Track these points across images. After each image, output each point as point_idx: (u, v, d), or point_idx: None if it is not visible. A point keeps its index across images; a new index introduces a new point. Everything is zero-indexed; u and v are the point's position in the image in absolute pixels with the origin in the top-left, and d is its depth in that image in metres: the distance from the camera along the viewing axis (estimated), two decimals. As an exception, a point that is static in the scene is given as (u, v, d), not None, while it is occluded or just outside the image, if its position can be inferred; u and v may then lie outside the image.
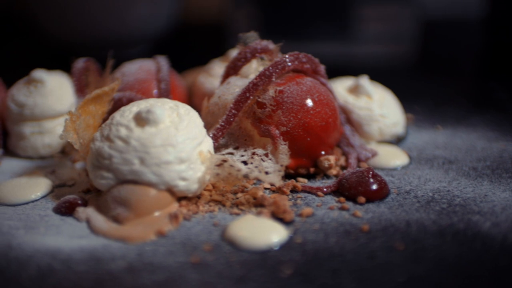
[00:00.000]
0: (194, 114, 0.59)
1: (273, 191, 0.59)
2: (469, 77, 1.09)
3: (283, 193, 0.58)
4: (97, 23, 1.09)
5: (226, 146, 0.61)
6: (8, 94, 0.72)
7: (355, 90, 0.69)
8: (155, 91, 0.69)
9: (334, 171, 0.62)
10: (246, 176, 0.56)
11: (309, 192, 0.59)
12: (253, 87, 0.59)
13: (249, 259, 0.49)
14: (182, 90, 0.74)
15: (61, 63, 0.81)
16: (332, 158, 0.61)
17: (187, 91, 0.77)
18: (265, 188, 0.60)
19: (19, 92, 0.71)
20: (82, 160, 0.67)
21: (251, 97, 0.59)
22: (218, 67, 0.74)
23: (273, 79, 0.60)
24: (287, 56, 0.61)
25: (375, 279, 0.46)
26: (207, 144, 0.58)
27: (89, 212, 0.56)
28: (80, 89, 0.72)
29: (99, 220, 0.55)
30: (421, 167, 0.65)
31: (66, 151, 0.71)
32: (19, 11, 1.32)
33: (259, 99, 0.60)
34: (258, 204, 0.57)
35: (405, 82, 0.82)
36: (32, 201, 0.60)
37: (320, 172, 0.62)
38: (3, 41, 0.83)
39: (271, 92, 0.59)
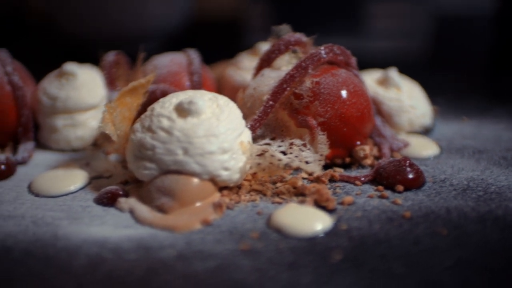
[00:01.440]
0: (233, 105, 0.60)
1: (311, 181, 0.62)
2: (482, 71, 1.12)
3: (322, 182, 0.60)
4: (111, 19, 1.10)
5: (262, 137, 0.62)
6: (38, 88, 0.73)
7: (384, 82, 0.72)
8: (187, 83, 0.71)
9: (369, 161, 0.64)
10: (287, 166, 0.58)
11: (346, 181, 0.61)
12: (290, 79, 0.61)
13: (298, 245, 0.51)
14: (212, 82, 0.76)
15: (75, 59, 0.82)
16: (367, 148, 0.63)
17: (216, 84, 0.79)
18: (303, 178, 0.62)
19: (51, 85, 0.72)
20: (115, 152, 0.69)
21: (288, 88, 0.61)
22: (246, 60, 0.76)
23: (309, 71, 0.62)
24: (322, 48, 0.63)
25: (423, 264, 0.48)
26: (247, 134, 0.60)
27: (132, 202, 0.58)
28: (111, 82, 0.74)
29: (143, 210, 0.56)
30: (452, 156, 0.67)
31: (98, 143, 0.72)
32: (34, 7, 1.33)
33: (296, 90, 0.61)
34: (298, 193, 0.58)
35: (420, 77, 0.84)
36: (71, 193, 0.62)
37: (355, 162, 0.65)
38: (18, 37, 0.84)
39: (307, 83, 0.61)
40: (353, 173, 0.64)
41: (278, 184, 0.60)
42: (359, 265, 0.48)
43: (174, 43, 0.89)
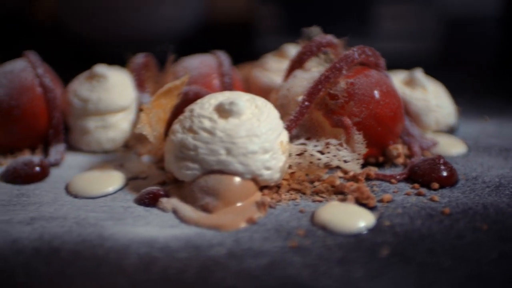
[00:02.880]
0: (270, 106, 0.62)
1: (347, 180, 0.64)
2: (493, 72, 1.16)
3: (358, 181, 0.62)
4: (124, 22, 1.11)
5: (297, 137, 0.64)
6: (68, 90, 0.74)
7: (410, 83, 0.75)
8: (217, 84, 0.73)
9: (401, 160, 0.66)
10: (326, 165, 0.60)
11: (382, 180, 0.64)
12: (324, 80, 0.63)
13: (344, 242, 0.53)
14: (241, 84, 0.78)
15: (87, 62, 0.84)
16: (400, 147, 0.66)
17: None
18: (339, 177, 0.64)
19: (82, 87, 0.73)
20: (148, 154, 0.71)
21: (323, 89, 0.64)
22: (272, 62, 0.79)
23: (343, 72, 0.64)
24: (354, 49, 0.65)
25: (469, 257, 0.51)
26: (284, 134, 0.62)
27: (174, 202, 0.59)
28: (140, 84, 0.75)
29: (187, 210, 0.58)
30: (480, 154, 0.71)
31: (129, 145, 0.74)
32: (44, 9, 1.33)
33: (331, 91, 0.64)
34: (337, 192, 0.61)
35: (433, 78, 0.88)
36: (110, 194, 0.63)
37: (387, 160, 0.67)
38: (24, 39, 0.85)
39: (342, 84, 0.64)
40: (387, 171, 0.66)
41: (316, 183, 0.62)
42: (407, 260, 0.51)
43: (186, 45, 0.91)
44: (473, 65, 1.17)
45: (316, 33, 0.68)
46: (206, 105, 0.61)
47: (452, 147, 0.70)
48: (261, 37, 1.21)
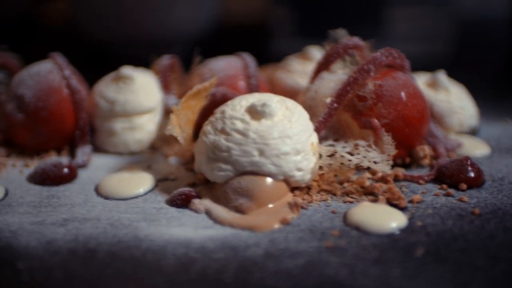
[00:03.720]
0: (300, 107, 0.63)
1: (376, 181, 0.65)
2: (507, 74, 1.18)
3: (387, 181, 0.64)
4: (138, 23, 1.12)
5: (325, 138, 0.66)
6: (94, 91, 0.75)
7: (433, 84, 0.76)
8: (243, 86, 0.74)
9: (427, 161, 0.68)
10: (357, 166, 0.61)
11: (410, 181, 0.65)
12: (353, 81, 0.65)
13: (379, 242, 0.55)
14: (266, 85, 0.79)
15: (103, 64, 0.85)
16: (427, 148, 0.67)
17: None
18: (367, 178, 0.65)
19: (108, 89, 0.74)
20: (175, 155, 0.72)
21: (351, 91, 0.65)
22: (296, 64, 0.80)
23: (371, 74, 0.65)
24: (382, 51, 0.67)
25: (503, 256, 0.52)
26: (314, 136, 0.63)
27: (207, 203, 0.61)
28: (166, 86, 0.76)
29: (221, 211, 0.59)
30: (504, 156, 0.72)
31: (155, 146, 0.75)
32: (59, 12, 1.34)
33: (359, 93, 0.65)
34: (368, 193, 0.62)
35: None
36: (141, 195, 0.64)
37: (414, 161, 0.69)
38: (44, 41, 0.85)
39: (370, 85, 0.65)
40: (413, 172, 0.68)
41: (345, 184, 0.64)
42: (442, 259, 0.52)
43: (202, 47, 0.92)
44: (486, 66, 1.19)
45: (342, 36, 0.70)
46: (238, 107, 0.62)
47: (475, 149, 0.72)
48: (276, 39, 1.22)
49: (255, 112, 0.60)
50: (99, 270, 0.52)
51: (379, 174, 0.64)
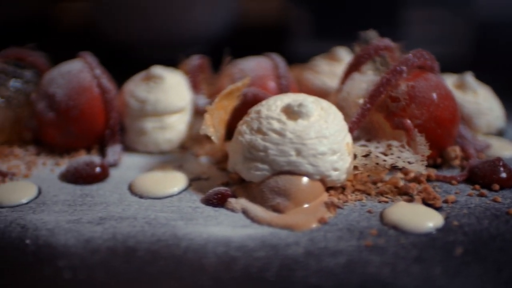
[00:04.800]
0: (335, 108, 0.65)
1: (409, 181, 0.66)
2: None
3: (420, 182, 0.65)
4: (155, 25, 1.13)
5: (357, 138, 0.67)
6: (124, 91, 0.76)
7: (461, 86, 0.78)
8: (273, 86, 0.75)
9: (457, 161, 0.69)
10: (392, 166, 0.62)
11: (442, 181, 0.66)
12: (386, 82, 0.66)
13: (417, 241, 0.56)
14: (295, 86, 0.80)
15: (121, 63, 0.85)
16: (457, 149, 0.69)
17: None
18: (400, 178, 0.67)
19: (139, 88, 0.75)
20: (206, 155, 0.73)
21: (384, 91, 0.66)
22: (324, 64, 0.81)
23: (404, 75, 0.67)
24: (413, 52, 0.68)
25: (541, 255, 0.54)
26: (349, 136, 0.64)
27: (243, 202, 0.62)
28: (195, 86, 0.77)
29: (258, 210, 0.60)
30: (533, 156, 0.74)
31: (185, 146, 0.76)
32: (76, 11, 1.36)
33: (392, 94, 0.66)
34: (402, 193, 0.63)
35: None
36: (175, 194, 0.65)
37: (445, 162, 0.70)
38: (63, 42, 0.86)
39: (403, 86, 0.66)
40: (444, 173, 0.69)
41: (379, 184, 0.65)
42: (482, 258, 0.53)
43: (218, 48, 0.93)
44: (506, 68, 1.20)
45: (373, 37, 0.71)
46: (273, 107, 0.63)
47: (504, 150, 0.73)
48: (293, 40, 1.24)
49: (292, 112, 0.61)
50: (141, 268, 0.53)
51: (412, 174, 0.66)
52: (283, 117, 0.61)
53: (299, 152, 0.60)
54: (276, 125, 0.61)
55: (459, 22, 1.18)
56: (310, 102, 0.62)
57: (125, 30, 1.17)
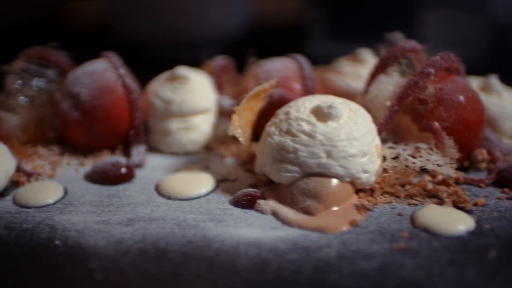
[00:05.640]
0: (363, 110, 0.65)
1: (437, 183, 0.66)
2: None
3: (448, 184, 0.65)
4: (172, 24, 1.13)
5: (385, 141, 0.67)
6: (149, 91, 0.76)
7: (485, 89, 0.77)
8: (298, 88, 0.75)
9: (484, 164, 0.69)
10: (422, 169, 0.63)
11: (470, 184, 0.66)
12: (414, 85, 0.66)
13: (450, 244, 0.56)
14: (320, 87, 0.80)
15: (135, 63, 0.85)
16: (484, 152, 0.69)
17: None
18: (428, 181, 0.67)
19: (163, 88, 0.75)
20: (231, 156, 0.74)
21: (412, 94, 0.66)
22: (347, 66, 0.82)
23: (432, 77, 0.67)
24: (441, 55, 0.68)
25: None
26: (378, 138, 0.64)
27: (273, 204, 0.62)
28: (220, 86, 0.77)
29: (289, 212, 0.60)
30: (558, 160, 0.74)
31: (210, 147, 0.76)
32: (94, 12, 1.36)
33: (420, 96, 0.66)
34: (431, 195, 0.64)
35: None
36: (203, 196, 0.65)
37: (471, 165, 0.70)
38: (76, 42, 0.86)
39: (431, 89, 0.66)
40: (471, 176, 0.69)
41: (407, 187, 0.65)
42: (516, 261, 0.54)
43: (234, 48, 0.93)
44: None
45: (399, 39, 0.71)
46: (302, 108, 0.63)
47: (530, 152, 0.74)
48: (309, 41, 1.24)
49: (321, 114, 0.61)
50: (173, 270, 0.54)
51: (440, 177, 0.66)
52: (313, 119, 0.62)
53: (329, 154, 0.60)
54: (306, 126, 0.61)
55: (477, 24, 1.19)
56: (339, 104, 0.63)
57: (141, 30, 1.17)
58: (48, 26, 1.45)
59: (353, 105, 0.64)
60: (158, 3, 1.14)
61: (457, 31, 1.17)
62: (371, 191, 0.64)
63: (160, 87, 0.75)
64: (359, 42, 0.89)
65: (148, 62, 0.86)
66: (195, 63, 0.85)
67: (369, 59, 0.82)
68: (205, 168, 0.71)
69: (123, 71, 0.74)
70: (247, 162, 0.72)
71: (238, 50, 0.87)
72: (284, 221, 0.59)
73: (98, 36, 1.45)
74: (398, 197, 0.64)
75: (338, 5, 1.18)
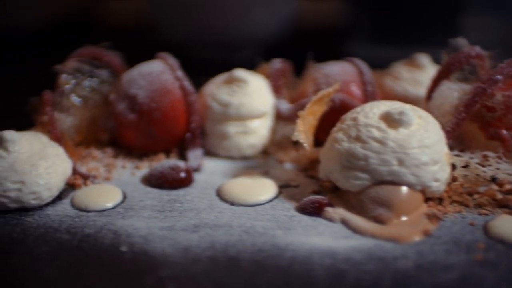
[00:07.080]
0: (431, 116, 0.64)
1: (504, 193, 0.64)
2: None
3: (515, 194, 0.64)
4: (210, 25, 1.12)
5: (451, 148, 0.66)
6: (205, 93, 0.75)
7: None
8: (358, 93, 0.74)
9: (545, 173, 0.68)
10: (492, 178, 0.61)
11: (539, 194, 0.66)
12: (482, 92, 0.65)
13: (529, 256, 0.55)
14: (379, 92, 0.79)
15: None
16: (547, 161, 0.68)
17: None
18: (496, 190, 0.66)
19: (221, 91, 0.74)
20: (291, 162, 0.72)
21: (480, 101, 0.65)
22: (404, 71, 0.80)
23: (499, 84, 0.66)
24: (508, 62, 0.66)
25: None
26: (446, 146, 0.63)
27: (342, 212, 0.60)
28: (277, 90, 0.76)
29: (359, 220, 0.59)
30: None
31: (267, 151, 0.75)
32: (132, 11, 1.35)
33: (487, 103, 0.65)
34: (501, 205, 0.62)
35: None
36: (267, 202, 0.64)
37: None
38: (114, 42, 0.85)
39: (499, 96, 0.65)
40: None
41: (475, 196, 0.64)
42: None
43: (274, 51, 0.92)
44: None
45: (464, 45, 0.70)
46: (371, 114, 0.62)
47: None
48: (350, 44, 1.23)
49: (392, 120, 0.60)
50: (247, 280, 0.52)
51: (507, 186, 0.65)
52: (383, 125, 0.60)
53: (401, 162, 0.59)
54: (376, 133, 0.60)
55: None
56: (410, 110, 0.61)
57: (180, 31, 1.15)
58: (85, 25, 1.44)
59: (421, 111, 0.63)
60: (198, 3, 1.12)
61: (499, 35, 1.16)
62: (439, 200, 0.63)
63: (218, 90, 0.74)
64: (399, 46, 0.88)
65: (187, 63, 0.85)
66: (236, 64, 0.83)
67: (427, 65, 0.81)
68: (265, 173, 0.70)
69: (180, 73, 0.73)
70: (308, 167, 0.71)
71: (278, 52, 0.86)
72: (356, 230, 0.58)
73: (135, 36, 1.44)
74: (467, 206, 0.63)
75: (378, 8, 1.17)
